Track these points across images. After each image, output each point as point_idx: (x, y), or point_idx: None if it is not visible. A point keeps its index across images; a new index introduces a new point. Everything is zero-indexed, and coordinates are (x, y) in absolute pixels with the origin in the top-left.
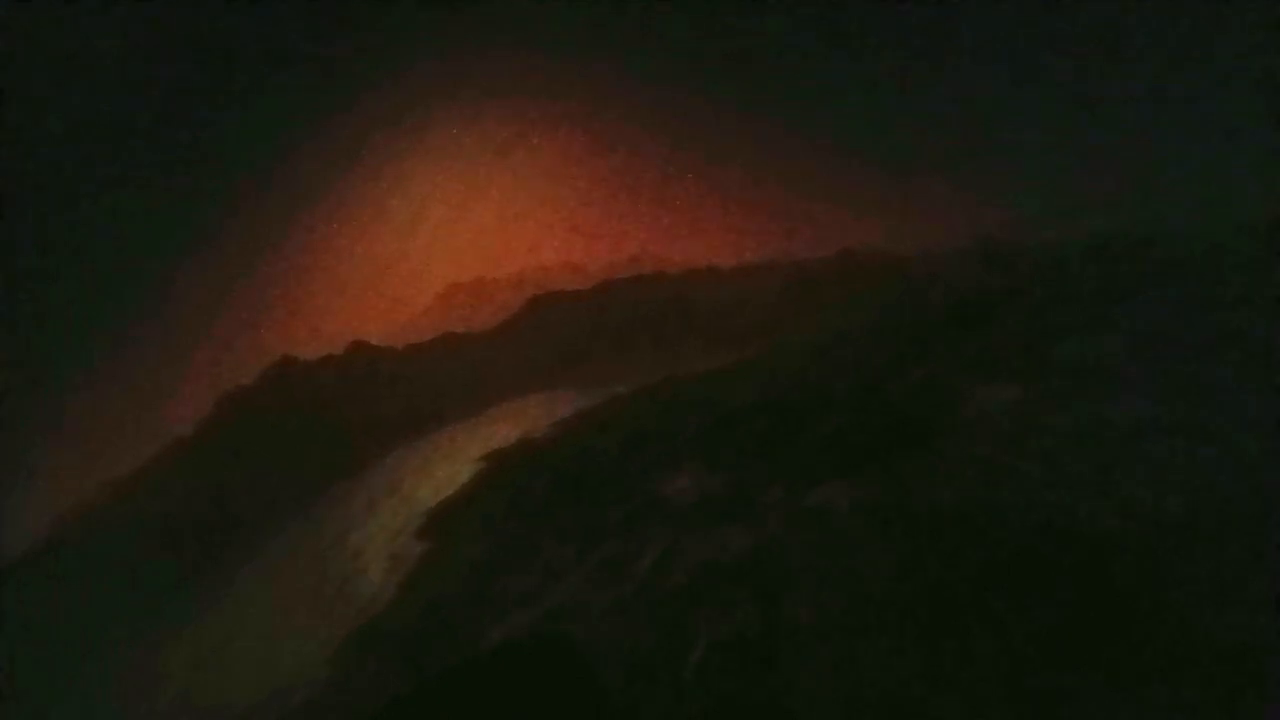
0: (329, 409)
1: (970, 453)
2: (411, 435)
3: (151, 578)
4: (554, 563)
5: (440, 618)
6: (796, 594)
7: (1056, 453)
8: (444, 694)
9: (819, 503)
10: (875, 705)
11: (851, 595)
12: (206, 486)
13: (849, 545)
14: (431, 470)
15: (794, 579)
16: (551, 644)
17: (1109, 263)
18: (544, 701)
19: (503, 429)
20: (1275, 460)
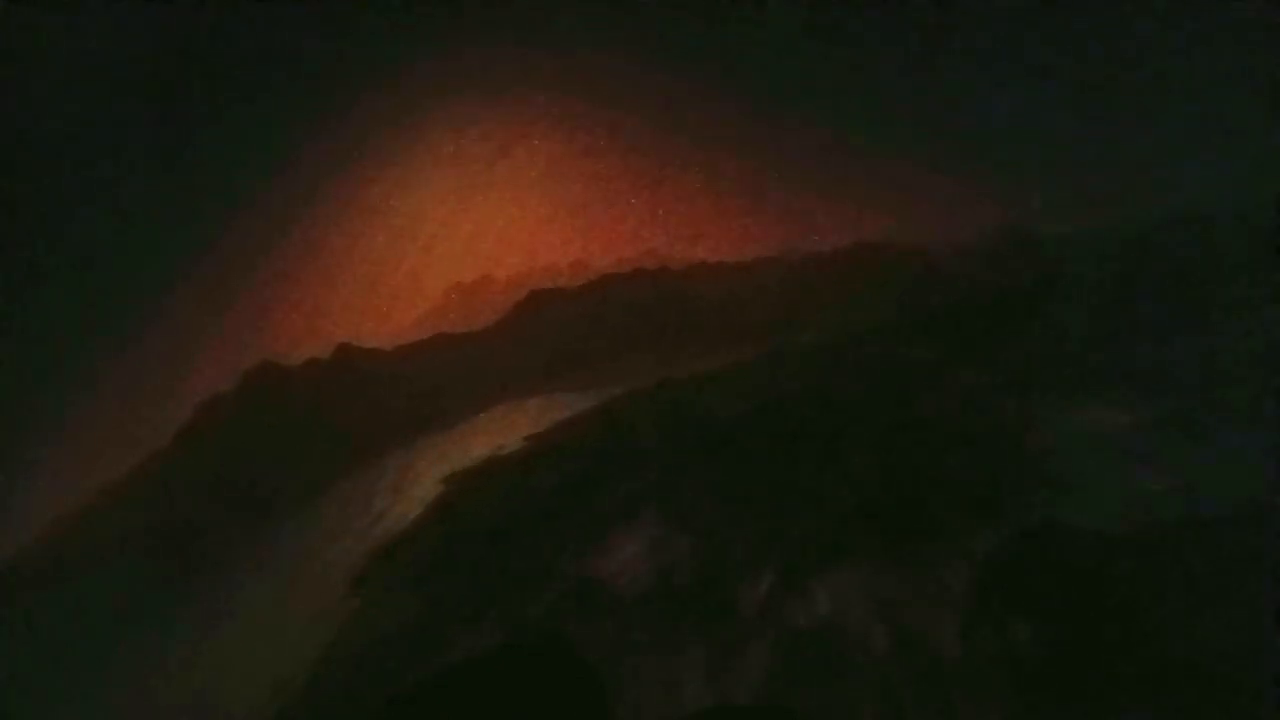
0: (327, 411)
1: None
2: (413, 433)
3: (150, 578)
4: None
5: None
6: None
7: (1061, 456)
8: (442, 696)
9: (834, 614)
10: (878, 704)
11: None
12: (206, 487)
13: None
14: (406, 488)
15: None
16: (552, 644)
17: (1111, 263)
18: (544, 703)
19: (482, 440)
20: (1275, 460)
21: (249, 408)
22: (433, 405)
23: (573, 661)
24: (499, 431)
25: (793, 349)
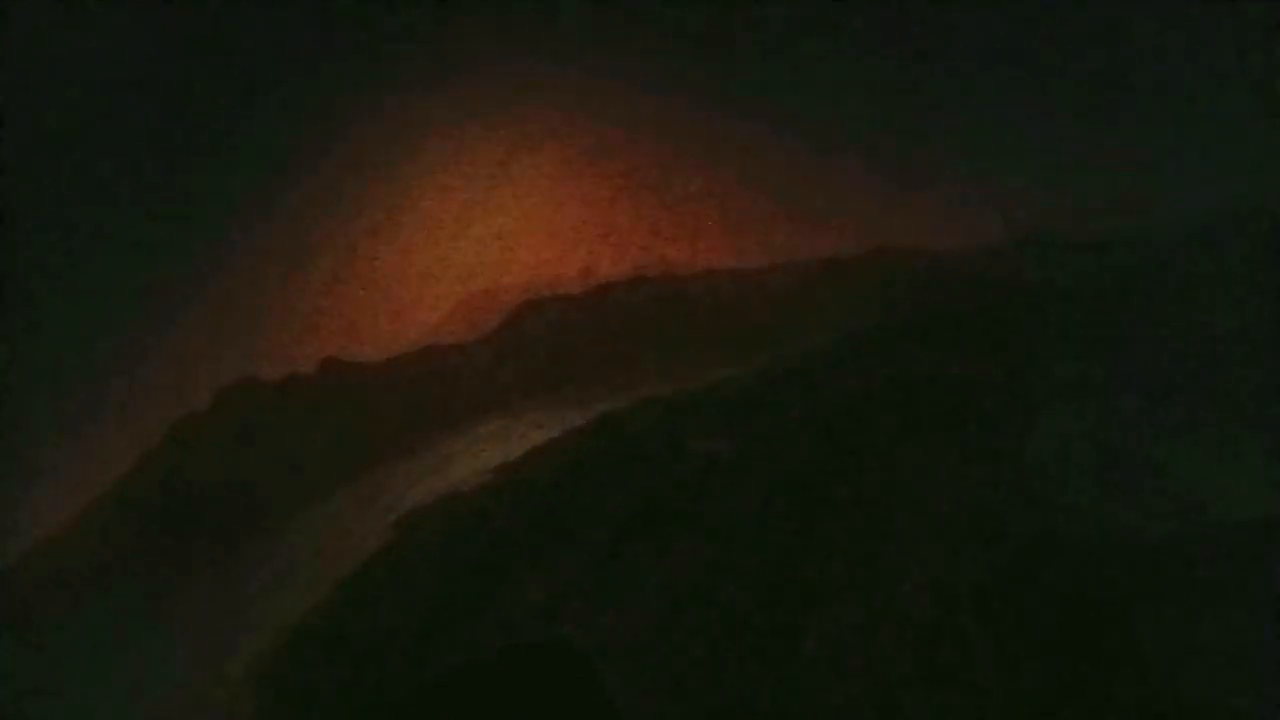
0: (326, 420)
1: None
2: (407, 445)
3: (149, 577)
4: None
5: None
6: None
7: (1060, 466)
8: (442, 698)
9: None
10: (877, 705)
11: None
12: (206, 487)
13: None
14: (372, 519)
15: None
16: (553, 648)
17: (1112, 265)
18: (545, 706)
19: (458, 468)
20: (1275, 462)
21: (250, 415)
22: (429, 418)
23: (574, 662)
24: (487, 449)
25: (792, 355)
